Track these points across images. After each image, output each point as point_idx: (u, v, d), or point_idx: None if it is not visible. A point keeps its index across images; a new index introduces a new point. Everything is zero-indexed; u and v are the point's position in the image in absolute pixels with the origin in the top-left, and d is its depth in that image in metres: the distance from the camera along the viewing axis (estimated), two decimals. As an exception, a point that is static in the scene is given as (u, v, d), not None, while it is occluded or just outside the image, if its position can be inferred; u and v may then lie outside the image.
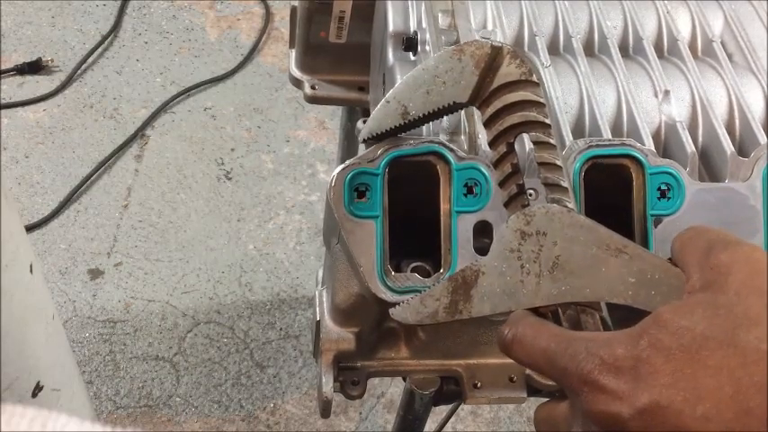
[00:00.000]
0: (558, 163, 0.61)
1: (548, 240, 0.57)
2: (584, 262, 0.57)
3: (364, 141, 0.67)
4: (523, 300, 0.58)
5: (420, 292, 0.60)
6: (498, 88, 0.62)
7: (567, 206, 0.60)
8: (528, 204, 0.61)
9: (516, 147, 0.63)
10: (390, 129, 0.65)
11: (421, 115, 0.63)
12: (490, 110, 0.62)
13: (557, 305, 0.58)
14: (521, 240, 0.58)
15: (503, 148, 0.62)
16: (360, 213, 0.66)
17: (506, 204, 0.62)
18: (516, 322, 0.55)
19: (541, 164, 0.61)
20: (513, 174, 0.62)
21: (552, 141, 0.61)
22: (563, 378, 0.50)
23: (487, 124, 0.63)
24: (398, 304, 0.60)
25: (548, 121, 0.62)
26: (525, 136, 0.63)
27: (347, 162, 0.67)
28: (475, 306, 0.58)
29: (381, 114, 0.64)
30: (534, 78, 0.62)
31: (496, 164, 0.63)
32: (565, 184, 0.61)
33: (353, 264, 0.67)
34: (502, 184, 0.63)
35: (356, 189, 0.66)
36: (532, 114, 0.61)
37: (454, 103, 0.63)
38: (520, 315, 0.56)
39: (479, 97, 0.62)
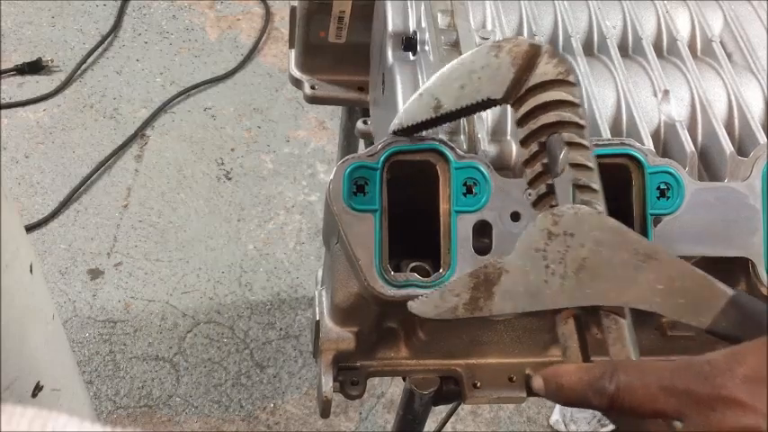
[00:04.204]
0: (591, 165, 0.60)
1: (575, 242, 0.56)
2: (611, 266, 0.55)
3: (394, 133, 0.66)
4: (547, 301, 0.56)
5: (419, 286, 0.60)
6: (534, 87, 0.61)
7: (596, 208, 0.58)
8: (556, 205, 0.60)
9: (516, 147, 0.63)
10: (421, 122, 0.63)
11: (453, 109, 0.62)
12: (524, 108, 0.61)
13: (580, 308, 0.56)
14: (547, 240, 0.56)
15: (534, 147, 0.61)
16: (359, 207, 0.66)
17: (534, 204, 0.61)
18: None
19: (573, 165, 0.60)
20: (544, 173, 0.61)
21: (586, 143, 0.60)
22: (686, 402, 0.47)
23: (520, 122, 0.62)
24: (396, 298, 0.59)
25: (582, 122, 0.60)
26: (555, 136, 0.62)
27: (347, 156, 0.67)
28: (496, 304, 0.57)
29: (413, 107, 0.63)
30: (571, 79, 0.61)
31: (527, 162, 0.62)
32: (596, 186, 0.60)
33: (352, 260, 0.66)
34: (531, 182, 0.61)
35: (355, 183, 0.66)
36: (567, 114, 0.60)
37: (488, 99, 0.62)
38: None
39: (514, 95, 0.61)
